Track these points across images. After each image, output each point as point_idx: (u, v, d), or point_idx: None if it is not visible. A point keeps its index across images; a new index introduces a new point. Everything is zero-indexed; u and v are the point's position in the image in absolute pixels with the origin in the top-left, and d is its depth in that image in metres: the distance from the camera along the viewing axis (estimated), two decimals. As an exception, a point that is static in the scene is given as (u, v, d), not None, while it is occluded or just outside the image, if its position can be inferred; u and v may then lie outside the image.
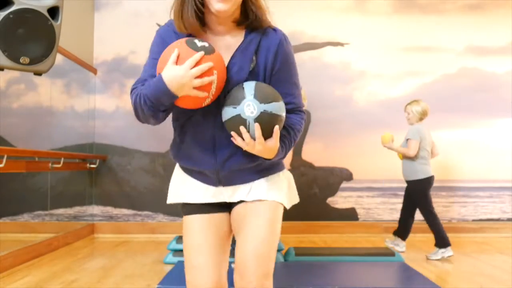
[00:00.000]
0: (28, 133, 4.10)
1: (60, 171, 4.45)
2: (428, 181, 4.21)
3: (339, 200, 5.46)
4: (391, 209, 5.44)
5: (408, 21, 5.52)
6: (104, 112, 5.39)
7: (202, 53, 1.29)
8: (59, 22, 2.21)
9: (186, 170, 1.58)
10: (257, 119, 1.32)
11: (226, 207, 1.57)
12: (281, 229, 1.57)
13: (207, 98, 1.33)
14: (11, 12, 2.05)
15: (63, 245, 4.54)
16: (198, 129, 1.47)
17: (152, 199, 5.30)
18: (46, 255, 4.13)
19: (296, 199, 1.66)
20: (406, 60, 5.51)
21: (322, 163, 5.44)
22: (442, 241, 4.11)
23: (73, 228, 4.84)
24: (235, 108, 1.33)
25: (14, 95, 3.86)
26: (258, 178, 1.52)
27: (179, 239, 4.05)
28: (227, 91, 1.38)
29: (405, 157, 4.28)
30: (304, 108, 1.54)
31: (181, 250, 3.94)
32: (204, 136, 1.47)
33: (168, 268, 3.69)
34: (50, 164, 4.16)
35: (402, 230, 4.40)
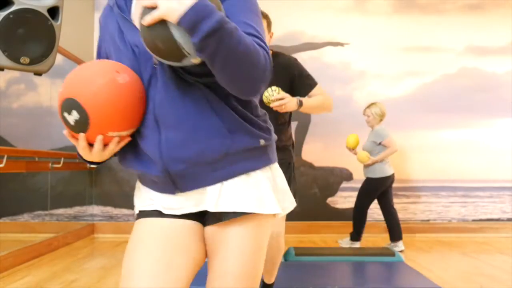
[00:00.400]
0: (28, 133, 4.10)
1: (60, 171, 4.45)
2: (390, 179, 4.45)
3: (339, 200, 5.45)
4: (391, 209, 5.43)
5: (408, 21, 5.52)
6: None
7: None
8: (59, 22, 2.21)
9: (138, 176, 1.25)
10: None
11: (198, 215, 1.17)
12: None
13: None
14: (11, 12, 2.04)
15: (63, 245, 4.54)
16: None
17: (152, 199, 5.29)
18: (46, 255, 4.13)
19: (290, 204, 1.25)
20: (406, 60, 5.51)
21: (322, 163, 5.44)
22: (357, 236, 4.51)
23: (73, 228, 4.85)
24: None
25: (14, 95, 3.86)
26: (231, 177, 1.12)
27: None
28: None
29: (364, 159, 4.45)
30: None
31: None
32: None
33: (168, 268, 3.69)
34: (50, 164, 4.16)
35: (394, 230, 4.44)
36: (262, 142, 1.16)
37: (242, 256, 1.11)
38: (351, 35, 5.49)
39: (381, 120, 4.50)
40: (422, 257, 4.18)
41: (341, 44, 5.50)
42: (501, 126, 5.52)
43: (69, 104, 1.05)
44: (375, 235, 5.27)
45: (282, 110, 2.18)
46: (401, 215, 5.30)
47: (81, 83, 1.05)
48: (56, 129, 4.57)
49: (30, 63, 2.19)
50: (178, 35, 0.95)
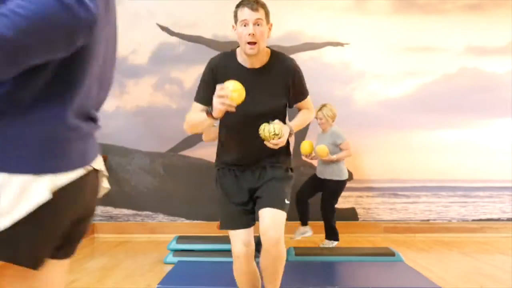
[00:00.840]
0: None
1: (60, 171, 4.44)
2: (346, 181, 4.55)
3: (339, 200, 5.42)
4: (390, 209, 5.43)
5: (408, 21, 5.52)
6: (104, 112, 5.35)
7: None
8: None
9: None
10: None
11: None
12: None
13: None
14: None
15: (63, 245, 4.54)
16: None
17: (152, 199, 5.29)
18: (46, 255, 4.12)
19: None
20: (406, 60, 5.51)
21: (322, 163, 5.43)
22: (334, 235, 4.53)
23: (73, 228, 4.84)
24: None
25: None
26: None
27: (179, 239, 4.05)
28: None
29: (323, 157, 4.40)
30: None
31: (181, 250, 3.94)
32: None
33: (168, 268, 3.69)
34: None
35: (329, 227, 4.57)
36: None
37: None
38: (351, 35, 5.49)
39: (333, 121, 4.49)
40: (422, 257, 4.18)
41: (341, 44, 5.50)
42: (501, 126, 5.52)
43: None
44: (375, 235, 5.27)
45: (276, 147, 2.24)
46: (401, 215, 5.31)
47: None
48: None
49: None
50: None
